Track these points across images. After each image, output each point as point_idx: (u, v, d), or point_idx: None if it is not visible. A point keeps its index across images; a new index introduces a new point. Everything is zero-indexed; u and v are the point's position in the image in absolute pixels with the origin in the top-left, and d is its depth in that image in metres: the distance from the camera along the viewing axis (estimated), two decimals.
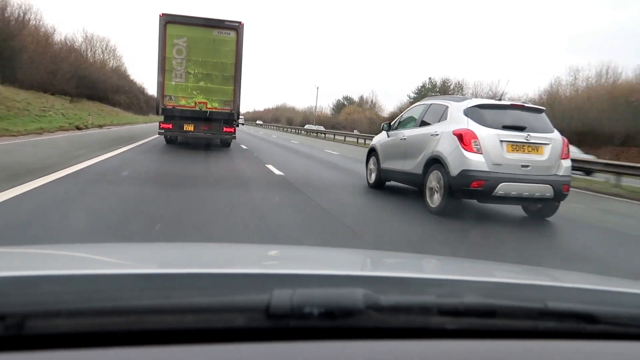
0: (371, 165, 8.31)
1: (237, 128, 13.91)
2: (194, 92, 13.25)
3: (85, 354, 0.65)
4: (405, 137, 7.15)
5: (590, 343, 0.81)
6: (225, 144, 15.06)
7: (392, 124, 8.03)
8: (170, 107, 13.19)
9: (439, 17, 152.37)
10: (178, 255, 1.33)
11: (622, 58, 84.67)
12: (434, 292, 0.83)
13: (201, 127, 13.42)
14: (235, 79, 13.33)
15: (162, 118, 13.87)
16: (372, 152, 8.32)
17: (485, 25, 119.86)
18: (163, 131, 13.74)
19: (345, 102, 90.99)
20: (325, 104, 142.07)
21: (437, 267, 1.43)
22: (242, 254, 1.47)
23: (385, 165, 7.67)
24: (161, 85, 13.09)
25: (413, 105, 7.98)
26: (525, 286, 1.02)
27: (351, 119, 71.42)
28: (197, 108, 13.21)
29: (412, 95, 59.02)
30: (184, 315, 0.71)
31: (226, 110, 13.42)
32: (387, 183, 7.99)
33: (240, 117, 14.79)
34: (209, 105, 13.29)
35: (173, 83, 13.17)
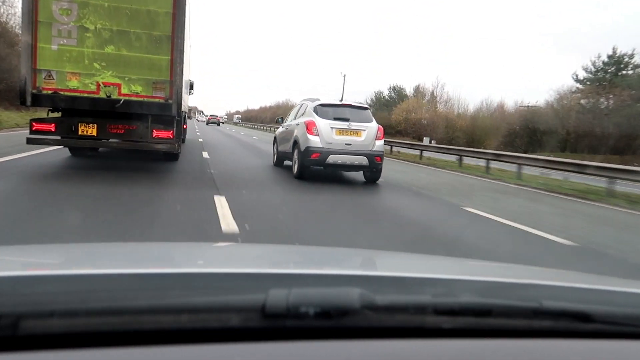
0: (274, 150, 11.49)
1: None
2: (95, 64, 7.28)
3: (80, 354, 0.65)
4: (286, 127, 10.36)
5: (585, 342, 0.82)
6: (171, 157, 9.32)
7: (283, 118, 11.46)
8: (50, 91, 7.17)
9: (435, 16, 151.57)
10: (173, 254, 1.32)
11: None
12: (430, 291, 0.83)
13: (110, 130, 7.61)
14: (174, 42, 7.48)
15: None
16: (275, 139, 11.53)
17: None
18: (38, 137, 7.53)
19: (393, 94, 63.85)
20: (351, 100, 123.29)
21: (432, 267, 1.44)
22: (238, 253, 1.47)
23: (280, 148, 10.75)
24: (30, 52, 7.08)
25: (296, 104, 11.06)
26: (521, 285, 1.02)
27: (415, 120, 48.38)
28: (102, 94, 7.30)
29: (586, 75, 38.75)
30: (180, 315, 0.71)
31: (157, 99, 7.48)
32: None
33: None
34: (124, 90, 7.39)
35: (54, 47, 7.16)
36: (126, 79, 7.46)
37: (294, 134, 9.32)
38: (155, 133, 7.75)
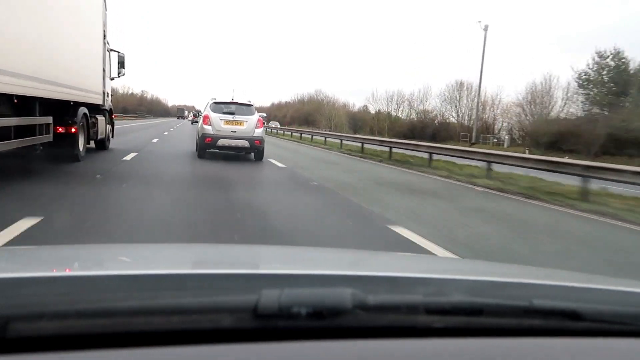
0: (196, 138, 14.35)
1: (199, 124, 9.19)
2: None
3: (70, 357, 0.65)
4: (197, 121, 13.74)
5: (575, 340, 0.82)
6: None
7: (200, 112, 11.88)
8: None
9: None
10: (165, 255, 1.32)
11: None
12: (422, 291, 0.84)
13: None
14: None
15: None
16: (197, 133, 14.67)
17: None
18: None
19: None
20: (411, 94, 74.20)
21: (424, 266, 1.44)
22: (230, 254, 1.46)
23: (197, 137, 13.40)
24: None
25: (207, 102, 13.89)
26: (511, 284, 1.03)
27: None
28: None
29: None
30: (171, 316, 0.70)
31: None
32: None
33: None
34: None
35: None
36: None
37: (200, 126, 12.35)
38: None
